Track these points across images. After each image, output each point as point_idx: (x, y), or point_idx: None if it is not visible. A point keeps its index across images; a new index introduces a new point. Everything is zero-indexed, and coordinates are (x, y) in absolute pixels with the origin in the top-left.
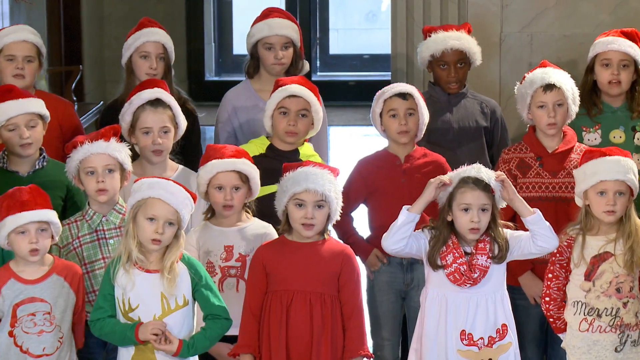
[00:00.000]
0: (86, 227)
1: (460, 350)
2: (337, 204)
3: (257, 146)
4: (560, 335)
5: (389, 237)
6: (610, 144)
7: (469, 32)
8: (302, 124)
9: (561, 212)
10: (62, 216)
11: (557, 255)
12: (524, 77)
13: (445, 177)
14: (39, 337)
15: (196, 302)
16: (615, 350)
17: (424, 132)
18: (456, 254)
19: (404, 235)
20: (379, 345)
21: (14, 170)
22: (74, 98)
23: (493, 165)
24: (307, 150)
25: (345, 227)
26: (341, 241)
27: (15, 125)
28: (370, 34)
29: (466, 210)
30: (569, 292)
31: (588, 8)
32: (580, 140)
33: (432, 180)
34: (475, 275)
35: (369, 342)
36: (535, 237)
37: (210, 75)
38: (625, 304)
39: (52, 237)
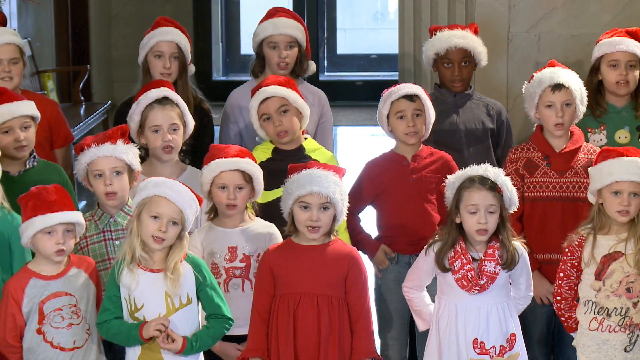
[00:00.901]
0: (94, 227)
1: (472, 358)
2: (342, 205)
3: (263, 152)
4: (572, 334)
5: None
6: (616, 145)
7: (475, 32)
8: (287, 120)
9: (568, 211)
10: None
11: (569, 254)
12: (532, 76)
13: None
14: (68, 331)
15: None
16: (625, 350)
17: (430, 131)
18: (464, 260)
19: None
20: (387, 345)
21: (4, 171)
22: (82, 98)
23: (499, 166)
24: (311, 145)
25: (352, 226)
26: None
27: (9, 128)
28: (377, 34)
29: (473, 212)
30: (580, 291)
31: (595, 8)
32: (586, 141)
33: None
34: (483, 281)
35: (377, 342)
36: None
37: (218, 75)
38: (635, 304)
39: (75, 238)
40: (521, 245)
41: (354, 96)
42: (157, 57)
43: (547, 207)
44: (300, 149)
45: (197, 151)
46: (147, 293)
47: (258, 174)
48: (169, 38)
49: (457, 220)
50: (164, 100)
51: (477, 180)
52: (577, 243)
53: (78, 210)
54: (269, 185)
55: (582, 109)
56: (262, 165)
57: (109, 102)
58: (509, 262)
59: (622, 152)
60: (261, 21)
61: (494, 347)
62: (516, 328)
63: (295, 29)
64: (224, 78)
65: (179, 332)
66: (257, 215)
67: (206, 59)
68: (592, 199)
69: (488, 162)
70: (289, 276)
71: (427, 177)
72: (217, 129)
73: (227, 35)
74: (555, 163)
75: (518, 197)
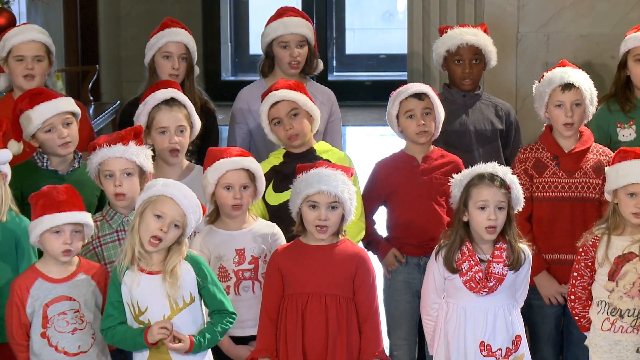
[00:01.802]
0: (107, 227)
1: None
2: (351, 204)
3: (276, 157)
4: (585, 333)
5: None
6: None
7: (485, 32)
8: (298, 123)
9: (577, 212)
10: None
11: (582, 254)
12: (543, 75)
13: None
14: (73, 336)
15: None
16: (637, 350)
17: (440, 131)
18: (471, 262)
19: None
20: (396, 345)
21: (54, 170)
22: (91, 98)
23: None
24: (322, 147)
25: (367, 231)
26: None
27: (52, 126)
28: (386, 34)
29: (482, 208)
30: (593, 291)
31: (605, 8)
32: (615, 136)
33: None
34: (491, 283)
35: (386, 343)
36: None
37: (227, 75)
38: None
39: (83, 239)
40: (527, 248)
41: (363, 96)
42: (165, 58)
43: (555, 207)
44: (311, 151)
45: (202, 152)
46: (149, 295)
47: (261, 173)
48: (178, 39)
49: (465, 219)
50: (171, 102)
51: (487, 177)
52: (591, 243)
53: (90, 212)
54: (280, 188)
55: (591, 109)
56: (274, 169)
57: (118, 102)
58: (515, 263)
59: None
60: (270, 21)
61: (500, 349)
62: (521, 329)
63: (305, 28)
64: (232, 78)
65: (185, 332)
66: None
67: (215, 59)
68: (608, 197)
69: (497, 163)
70: (298, 276)
71: (437, 179)
72: (224, 129)
73: (236, 35)
74: (564, 163)
75: (526, 197)
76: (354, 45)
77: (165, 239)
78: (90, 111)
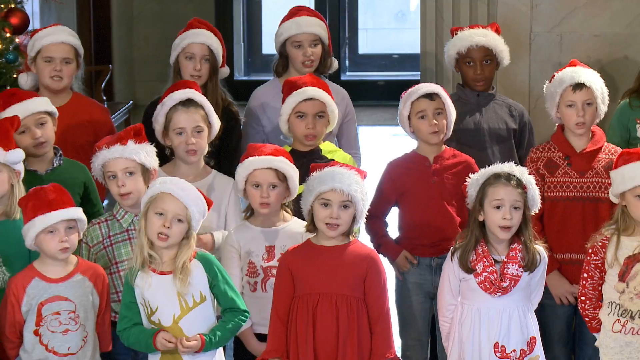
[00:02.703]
0: (117, 227)
1: None
2: (363, 205)
3: None
4: (595, 334)
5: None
6: None
7: (497, 32)
8: (320, 126)
9: (589, 211)
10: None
11: (592, 255)
12: (554, 75)
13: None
14: (64, 336)
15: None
16: None
17: (452, 130)
18: (486, 263)
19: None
20: (408, 345)
21: (32, 170)
22: (104, 97)
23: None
24: (328, 147)
25: (376, 229)
26: (370, 241)
27: (25, 127)
28: (399, 33)
29: (498, 207)
30: (604, 293)
31: (618, 7)
32: (634, 132)
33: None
34: (505, 284)
35: (398, 343)
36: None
37: (240, 75)
38: None
39: (78, 234)
40: (543, 249)
41: (376, 96)
42: (188, 59)
43: (567, 207)
44: (317, 150)
45: (222, 154)
46: (159, 295)
47: (292, 173)
48: (201, 40)
49: (480, 218)
50: (187, 103)
51: (503, 176)
52: (600, 244)
53: (78, 206)
54: None
55: (603, 108)
56: None
57: (131, 101)
58: (529, 264)
59: None
60: (283, 20)
61: (514, 350)
62: (536, 331)
63: (318, 27)
64: (245, 78)
65: (196, 331)
66: (293, 214)
67: (228, 59)
68: (615, 200)
69: (511, 162)
70: (308, 277)
71: (448, 180)
72: None
73: (249, 35)
74: (576, 163)
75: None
76: (366, 45)
77: (171, 234)
78: None
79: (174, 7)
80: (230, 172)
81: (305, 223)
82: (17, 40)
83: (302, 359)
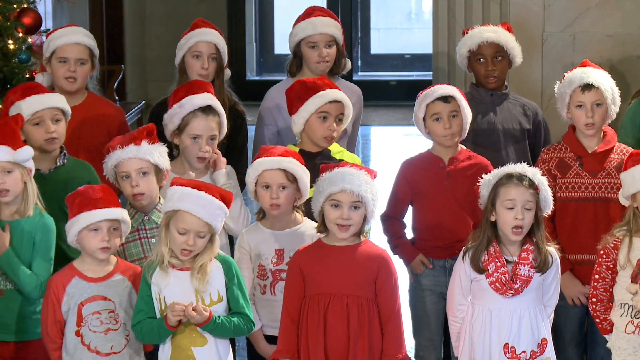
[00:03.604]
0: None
1: None
2: (373, 205)
3: None
4: (605, 336)
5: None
6: None
7: (508, 30)
8: (340, 128)
9: (601, 212)
10: None
11: (604, 256)
12: (564, 76)
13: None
14: (106, 336)
15: None
16: None
17: (467, 132)
18: (498, 263)
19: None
20: (421, 346)
21: (35, 168)
22: (116, 97)
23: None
24: (335, 147)
25: (394, 230)
26: (387, 242)
27: (40, 119)
28: (411, 33)
29: (510, 207)
30: (615, 294)
31: (631, 7)
32: None
33: None
34: (517, 285)
35: (411, 343)
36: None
37: (252, 75)
38: None
39: (121, 237)
40: (555, 251)
41: (388, 96)
42: (195, 58)
43: (579, 207)
44: (326, 151)
45: (228, 153)
46: (177, 291)
47: (302, 174)
48: (208, 39)
49: (492, 219)
50: (207, 109)
51: (516, 177)
52: (612, 245)
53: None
54: None
55: (614, 108)
56: None
57: (143, 101)
58: (541, 265)
59: None
60: (298, 21)
61: (524, 351)
62: (547, 332)
63: (333, 28)
64: (257, 78)
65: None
66: (304, 216)
67: (240, 58)
68: (624, 202)
69: (525, 162)
70: (319, 277)
71: (463, 182)
72: (250, 128)
73: (261, 35)
74: (587, 164)
75: None
76: (379, 45)
77: (195, 249)
78: None
79: (186, 6)
80: (236, 171)
81: (316, 224)
82: (29, 40)
83: (313, 359)
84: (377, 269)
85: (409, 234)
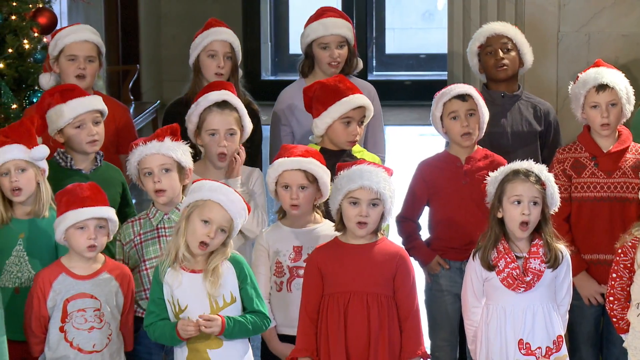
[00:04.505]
0: (148, 225)
1: None
2: (391, 203)
3: None
4: (622, 335)
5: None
6: None
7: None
8: (361, 130)
9: (616, 212)
10: (120, 212)
11: (622, 255)
12: (578, 76)
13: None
14: (89, 334)
15: None
16: None
17: (484, 131)
18: (508, 259)
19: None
20: (437, 346)
21: (78, 169)
22: (131, 97)
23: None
24: (355, 148)
25: (409, 231)
26: (402, 244)
27: (82, 122)
28: (426, 33)
29: (517, 203)
30: (633, 293)
31: None
32: None
33: None
34: (528, 278)
35: (427, 344)
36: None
37: (267, 75)
38: None
39: (108, 235)
40: (565, 248)
41: (403, 96)
42: (210, 57)
43: (594, 207)
44: (345, 150)
45: (246, 153)
46: (190, 294)
47: (322, 174)
48: (223, 38)
49: (499, 215)
50: (223, 105)
51: (522, 172)
52: (630, 244)
53: (119, 205)
54: None
55: (629, 108)
56: None
57: (158, 101)
58: (552, 260)
59: None
60: (309, 21)
61: (539, 348)
62: (562, 331)
63: (344, 29)
64: (272, 77)
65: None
66: (324, 216)
67: (255, 58)
68: None
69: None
70: (338, 275)
71: (480, 181)
72: (265, 128)
73: (276, 35)
74: (602, 163)
75: (565, 197)
76: (393, 44)
77: (212, 244)
78: (131, 111)
79: (201, 6)
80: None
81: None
82: (45, 39)
83: (334, 357)
84: (395, 266)
85: (425, 234)
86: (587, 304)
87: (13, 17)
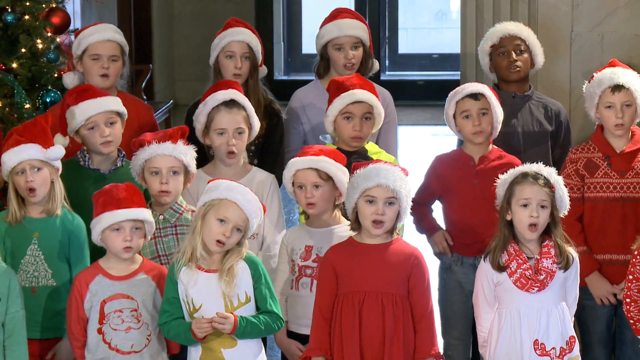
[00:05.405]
0: None
1: None
2: (407, 202)
3: None
4: (638, 337)
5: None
6: None
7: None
8: (367, 127)
9: (629, 212)
10: None
11: (638, 257)
12: (592, 76)
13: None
14: (126, 334)
15: None
16: None
17: (499, 131)
18: (519, 260)
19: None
20: (450, 345)
21: (96, 168)
22: (144, 97)
23: (556, 167)
24: (373, 148)
25: (422, 212)
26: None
27: (94, 124)
28: (439, 33)
29: (525, 205)
30: None
31: None
32: None
33: None
34: (542, 277)
35: (440, 342)
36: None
37: (279, 75)
38: None
39: (145, 236)
40: (574, 251)
41: (416, 96)
42: (228, 58)
43: (607, 207)
44: (363, 150)
45: (264, 152)
46: (205, 293)
47: (335, 172)
48: (240, 38)
49: (508, 217)
50: (230, 103)
51: (531, 175)
52: None
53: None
54: None
55: None
56: None
57: (171, 101)
58: (564, 262)
59: None
60: (324, 23)
61: (554, 348)
62: (574, 331)
63: (359, 30)
64: (285, 77)
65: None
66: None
67: (268, 58)
68: None
69: (545, 165)
70: (353, 274)
71: (492, 181)
72: None
73: (289, 35)
74: (615, 163)
75: (578, 197)
76: (406, 44)
77: (228, 242)
78: None
79: (214, 6)
80: (273, 170)
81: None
82: (58, 39)
83: (348, 357)
84: (410, 267)
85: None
86: (599, 304)
87: (26, 17)
